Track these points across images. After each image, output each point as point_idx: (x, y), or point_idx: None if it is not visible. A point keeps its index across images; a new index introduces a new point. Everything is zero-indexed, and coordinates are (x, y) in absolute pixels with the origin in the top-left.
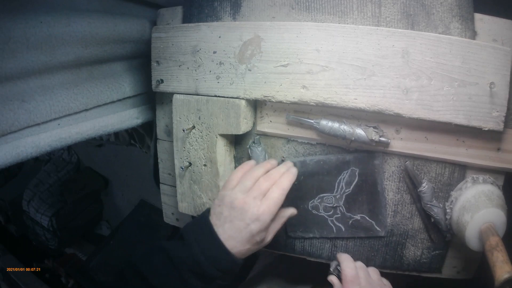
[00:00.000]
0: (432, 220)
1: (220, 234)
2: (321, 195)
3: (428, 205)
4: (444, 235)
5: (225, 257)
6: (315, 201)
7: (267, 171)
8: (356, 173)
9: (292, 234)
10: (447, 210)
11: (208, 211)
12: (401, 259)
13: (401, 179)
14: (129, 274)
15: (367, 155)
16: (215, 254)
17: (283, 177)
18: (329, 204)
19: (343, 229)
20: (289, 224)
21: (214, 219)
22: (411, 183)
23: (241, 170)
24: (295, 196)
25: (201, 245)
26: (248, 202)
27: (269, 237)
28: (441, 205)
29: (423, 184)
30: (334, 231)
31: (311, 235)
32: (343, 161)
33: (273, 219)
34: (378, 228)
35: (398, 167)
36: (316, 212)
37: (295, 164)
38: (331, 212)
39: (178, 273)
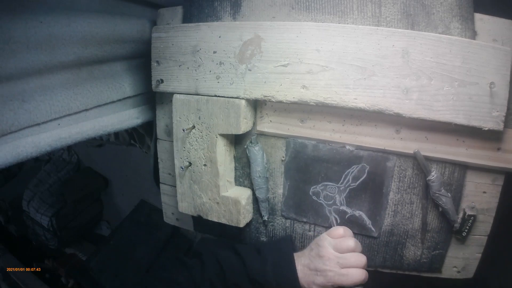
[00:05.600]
0: (440, 209)
1: (297, 260)
2: (326, 183)
3: (437, 194)
4: (452, 225)
5: (291, 279)
6: (318, 187)
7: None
8: (366, 170)
9: (286, 214)
10: None
11: (290, 237)
12: (401, 259)
13: (401, 178)
14: (207, 258)
15: (381, 155)
16: (284, 275)
17: (363, 273)
18: (331, 193)
19: (338, 221)
20: (285, 203)
21: (302, 257)
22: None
23: (348, 231)
24: (300, 177)
25: (276, 264)
26: (332, 260)
27: None
28: (449, 195)
29: (432, 173)
30: (329, 221)
31: (304, 220)
32: (356, 155)
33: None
34: (373, 228)
35: (398, 167)
36: (316, 199)
37: (307, 146)
38: (330, 202)
39: (247, 277)
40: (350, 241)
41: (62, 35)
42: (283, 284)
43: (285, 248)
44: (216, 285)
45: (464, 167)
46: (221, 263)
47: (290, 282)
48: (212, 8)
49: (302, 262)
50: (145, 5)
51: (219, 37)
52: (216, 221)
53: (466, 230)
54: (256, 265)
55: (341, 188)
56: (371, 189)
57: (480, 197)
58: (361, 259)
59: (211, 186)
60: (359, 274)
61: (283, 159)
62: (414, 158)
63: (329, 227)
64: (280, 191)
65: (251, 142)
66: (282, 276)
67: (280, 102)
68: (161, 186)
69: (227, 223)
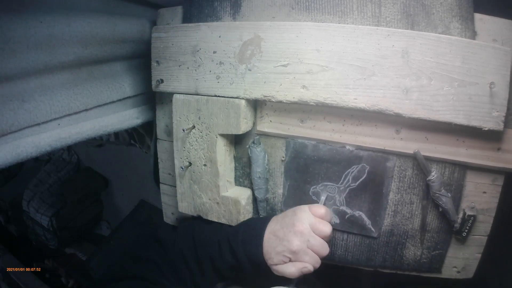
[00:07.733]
0: (440, 209)
1: (265, 234)
2: (325, 183)
3: (437, 195)
4: (451, 225)
5: (256, 247)
6: (317, 187)
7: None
8: (366, 170)
9: None
10: None
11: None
12: (401, 259)
13: (401, 179)
14: (181, 229)
15: (381, 155)
16: (251, 235)
17: (318, 263)
18: (331, 193)
19: (338, 221)
20: (285, 203)
21: (273, 223)
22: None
23: (328, 215)
24: (300, 177)
25: (248, 226)
26: (304, 236)
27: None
28: (449, 195)
29: (432, 173)
30: (314, 198)
31: None
32: (356, 155)
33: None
34: (372, 229)
35: (398, 167)
36: (316, 199)
37: (307, 146)
38: (330, 202)
39: (222, 240)
40: (328, 228)
41: (62, 35)
42: (248, 247)
43: (264, 217)
44: (187, 257)
45: (464, 167)
46: (194, 231)
47: (254, 246)
48: (212, 8)
49: (271, 227)
50: (145, 5)
51: (219, 37)
52: (216, 221)
53: (466, 230)
54: (231, 228)
55: (341, 188)
56: (371, 189)
57: (480, 197)
58: (326, 249)
59: (211, 186)
60: (316, 262)
61: (283, 159)
62: (414, 158)
63: None
64: (280, 191)
65: (253, 142)
66: (249, 238)
67: (280, 102)
68: (161, 186)
69: (227, 223)
